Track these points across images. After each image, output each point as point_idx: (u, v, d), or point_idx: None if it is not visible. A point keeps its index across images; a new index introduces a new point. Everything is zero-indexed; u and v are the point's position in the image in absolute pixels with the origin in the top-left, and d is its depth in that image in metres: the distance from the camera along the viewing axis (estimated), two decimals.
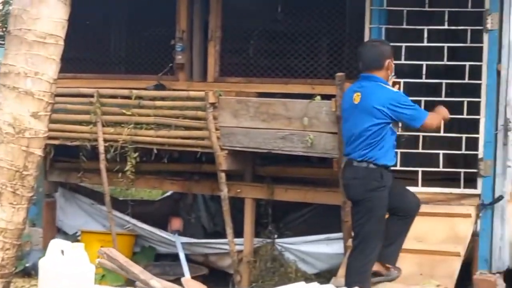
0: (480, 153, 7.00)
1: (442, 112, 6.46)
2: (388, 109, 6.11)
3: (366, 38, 7.35)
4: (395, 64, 6.76)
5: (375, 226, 6.26)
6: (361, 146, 6.19)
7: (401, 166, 7.18)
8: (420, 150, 7.25)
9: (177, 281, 5.28)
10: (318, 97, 7.30)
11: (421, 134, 7.29)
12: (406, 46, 7.25)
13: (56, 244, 4.37)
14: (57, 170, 9.36)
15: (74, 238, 9.26)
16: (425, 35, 7.26)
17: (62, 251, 4.31)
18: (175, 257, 8.85)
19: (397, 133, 6.40)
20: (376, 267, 6.40)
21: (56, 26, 5.78)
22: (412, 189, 7.17)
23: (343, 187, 6.49)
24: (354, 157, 6.23)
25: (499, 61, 6.90)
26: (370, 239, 6.27)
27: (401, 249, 6.52)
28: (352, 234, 6.44)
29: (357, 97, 6.24)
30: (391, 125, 6.20)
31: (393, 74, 6.42)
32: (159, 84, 8.50)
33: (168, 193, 10.90)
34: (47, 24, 5.73)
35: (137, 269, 4.54)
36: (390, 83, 6.36)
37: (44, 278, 4.35)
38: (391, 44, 7.05)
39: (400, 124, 6.48)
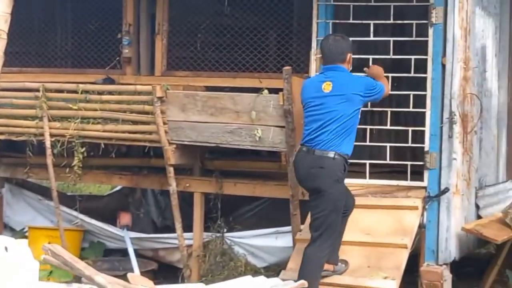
0: (426, 146, 7.06)
1: (382, 73, 6.69)
2: (365, 95, 6.35)
3: (314, 33, 7.39)
4: None
5: (337, 218, 6.35)
6: (330, 135, 6.25)
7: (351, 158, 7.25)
8: (368, 143, 7.29)
9: (126, 276, 5.23)
10: (266, 91, 7.30)
11: (368, 127, 7.35)
12: (353, 41, 7.27)
13: (0, 240, 4.30)
14: (3, 165, 9.26)
15: (21, 234, 9.17)
16: (372, 29, 7.29)
17: (6, 248, 4.25)
18: (125, 252, 8.80)
19: None
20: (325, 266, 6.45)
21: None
22: (359, 181, 7.28)
23: (304, 177, 6.40)
24: (319, 147, 6.27)
25: (444, 54, 6.95)
26: (332, 231, 6.34)
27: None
28: (311, 225, 6.41)
29: (327, 86, 6.33)
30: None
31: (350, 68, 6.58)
32: (108, 78, 8.44)
33: (117, 188, 10.84)
34: None
35: (81, 265, 4.50)
36: None
37: None
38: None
39: None
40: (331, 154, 6.25)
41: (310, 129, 6.35)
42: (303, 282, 5.33)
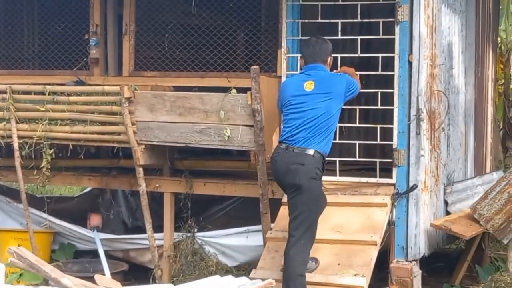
0: (394, 143, 7.10)
1: (353, 72, 6.85)
2: (346, 93, 6.53)
3: (283, 33, 7.43)
4: None
5: (318, 215, 6.45)
6: (310, 133, 6.35)
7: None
8: (338, 141, 7.32)
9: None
10: (234, 90, 7.30)
11: (338, 125, 7.37)
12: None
13: None
14: None
15: None
16: (340, 28, 7.32)
17: None
18: (95, 253, 8.77)
19: None
20: None
21: None
22: (330, 178, 7.31)
23: (283, 173, 6.42)
24: (299, 144, 6.35)
25: (411, 52, 6.99)
26: (314, 228, 6.42)
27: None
28: (290, 224, 6.41)
29: (309, 85, 6.46)
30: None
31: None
32: (79, 80, 8.38)
33: (87, 189, 10.79)
34: None
35: (47, 268, 4.48)
36: None
37: None
38: (306, 37, 7.23)
39: None
40: (311, 152, 6.35)
41: (290, 127, 6.44)
42: (270, 281, 5.33)
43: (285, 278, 6.29)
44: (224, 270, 8.05)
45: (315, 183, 6.39)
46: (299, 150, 6.36)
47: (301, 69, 6.81)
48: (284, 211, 7.16)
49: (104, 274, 8.09)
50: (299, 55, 7.19)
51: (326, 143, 6.45)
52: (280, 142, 6.55)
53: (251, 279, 5.95)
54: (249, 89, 7.13)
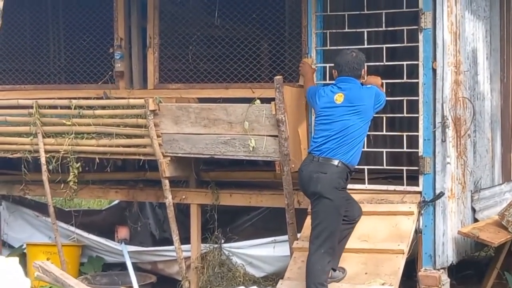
0: (420, 150, 7.06)
1: (379, 82, 6.86)
2: (375, 107, 6.58)
3: (312, 43, 7.45)
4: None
5: (338, 225, 6.44)
6: (336, 144, 6.40)
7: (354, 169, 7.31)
8: (365, 149, 7.31)
9: None
10: (258, 101, 7.31)
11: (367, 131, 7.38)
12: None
13: None
14: None
15: (20, 251, 9.17)
16: (365, 37, 7.31)
17: None
18: (123, 266, 8.80)
19: None
20: None
21: None
22: (358, 186, 7.31)
23: (306, 181, 6.45)
24: (324, 154, 6.40)
25: (435, 59, 6.96)
26: (335, 238, 6.42)
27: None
28: (312, 233, 6.43)
29: (339, 97, 6.52)
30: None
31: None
32: (105, 94, 8.42)
33: (115, 202, 10.84)
34: None
35: (72, 281, 4.50)
36: None
37: None
38: (332, 47, 7.32)
39: None
40: (335, 162, 6.39)
41: (318, 138, 6.51)
42: None
43: (307, 287, 6.28)
44: (252, 281, 8.03)
45: (335, 192, 6.38)
46: (324, 160, 6.40)
47: (333, 80, 6.80)
48: (310, 221, 7.15)
49: (132, 287, 8.12)
50: (326, 64, 7.29)
51: (353, 155, 6.47)
52: (308, 153, 6.63)
53: None
54: (273, 99, 7.14)
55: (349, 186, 7.23)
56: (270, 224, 8.93)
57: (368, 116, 6.56)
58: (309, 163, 6.49)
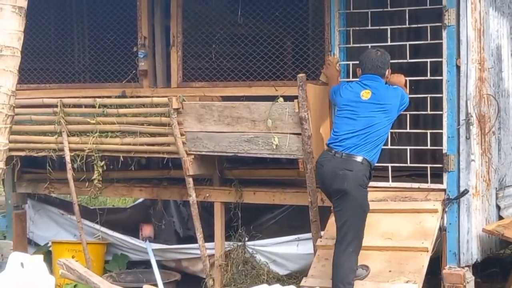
0: (444, 148, 7.04)
1: (403, 81, 6.86)
2: (399, 107, 6.56)
3: (335, 41, 7.44)
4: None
5: (364, 222, 6.43)
6: (361, 141, 6.37)
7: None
8: (389, 146, 7.31)
9: None
10: (281, 99, 7.31)
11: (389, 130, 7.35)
12: (371, 46, 7.31)
13: (16, 257, 4.34)
14: (25, 181, 9.33)
15: (45, 249, 9.23)
16: (389, 34, 7.29)
17: (22, 264, 4.29)
18: (148, 263, 8.83)
19: None
20: None
21: (12, 38, 5.76)
22: (382, 184, 7.32)
23: (330, 178, 6.40)
24: (348, 150, 6.36)
25: (458, 56, 6.93)
26: (361, 236, 6.41)
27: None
28: (338, 232, 6.41)
29: (366, 94, 6.52)
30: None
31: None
32: (123, 93, 8.47)
33: (139, 200, 10.88)
34: (2, 36, 5.72)
35: (96, 279, 4.53)
36: None
37: None
38: (355, 45, 7.32)
39: None
40: (359, 159, 6.37)
41: (341, 132, 6.46)
42: None
43: (334, 287, 6.27)
44: (276, 279, 8.05)
45: (362, 191, 6.38)
46: (348, 156, 6.37)
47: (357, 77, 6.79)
48: (333, 218, 7.14)
49: (156, 284, 8.15)
50: (350, 62, 7.29)
51: (375, 153, 6.46)
52: (327, 146, 6.57)
53: (301, 287, 5.94)
54: (296, 97, 7.13)
55: (373, 183, 7.26)
56: (294, 222, 8.93)
57: (393, 116, 6.55)
58: (331, 158, 6.44)
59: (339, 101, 6.67)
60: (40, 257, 4.26)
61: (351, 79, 7.34)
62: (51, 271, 7.41)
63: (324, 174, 6.48)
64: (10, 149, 7.04)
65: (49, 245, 9.29)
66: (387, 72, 6.67)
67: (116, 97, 8.32)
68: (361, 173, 6.36)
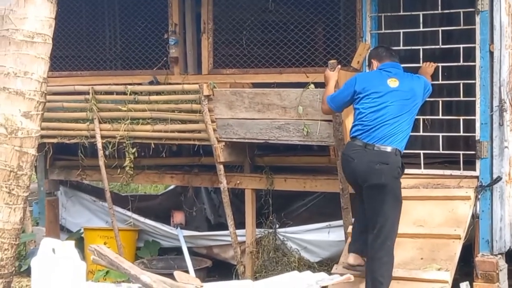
0: (477, 134, 6.97)
1: (429, 71, 6.86)
2: (424, 96, 6.46)
3: (367, 27, 7.37)
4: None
5: (400, 214, 6.29)
6: (392, 131, 6.21)
7: (404, 149, 7.23)
8: (421, 133, 7.25)
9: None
10: (312, 86, 7.29)
11: (421, 117, 7.30)
12: (402, 32, 7.26)
13: (48, 242, 4.37)
14: (57, 168, 9.40)
15: (78, 235, 9.30)
16: (421, 20, 7.22)
17: (53, 250, 4.31)
18: (179, 250, 8.87)
19: None
20: (355, 260, 6.38)
21: (44, 25, 5.79)
22: (414, 171, 7.26)
23: (366, 172, 6.17)
24: (380, 142, 6.18)
25: (492, 41, 6.85)
26: (397, 227, 6.29)
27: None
28: (376, 225, 6.21)
29: (393, 82, 6.34)
30: None
31: None
32: (154, 79, 8.48)
33: (171, 187, 10.92)
34: (34, 23, 5.75)
35: (127, 265, 4.54)
36: None
37: (37, 277, 4.36)
38: (387, 31, 7.31)
39: None
40: (392, 150, 6.20)
41: (368, 121, 6.23)
42: (348, 276, 5.30)
43: (373, 282, 6.14)
44: (307, 266, 8.02)
45: (398, 182, 6.25)
46: (380, 148, 6.18)
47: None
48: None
49: (187, 271, 8.18)
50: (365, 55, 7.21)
51: (406, 143, 6.33)
52: (354, 138, 6.33)
53: (332, 274, 5.92)
54: None
55: (406, 171, 7.21)
56: (325, 209, 8.90)
57: (419, 104, 6.42)
58: (361, 151, 6.21)
59: (364, 88, 6.32)
60: (72, 243, 4.29)
61: None
62: (83, 258, 7.47)
63: (356, 168, 6.24)
64: (42, 136, 7.13)
65: (81, 231, 9.36)
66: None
67: (148, 83, 8.32)
68: (396, 165, 6.21)
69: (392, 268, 6.22)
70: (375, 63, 6.59)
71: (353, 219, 7.14)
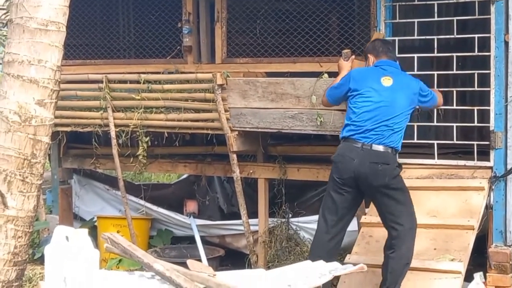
0: (491, 125, 6.94)
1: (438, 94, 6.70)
2: (419, 97, 6.39)
3: (381, 16, 7.34)
4: (407, 39, 7.25)
5: (412, 202, 6.25)
6: (388, 130, 6.14)
7: (417, 139, 7.29)
8: (434, 123, 7.22)
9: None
10: (326, 75, 7.26)
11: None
12: (417, 22, 7.23)
13: (61, 230, 4.38)
14: (71, 157, 9.41)
15: (91, 224, 9.32)
16: (436, 9, 7.19)
17: (67, 237, 4.32)
18: (192, 239, 8.89)
19: None
20: None
21: (58, 13, 5.78)
22: (427, 161, 7.26)
23: (367, 174, 6.06)
24: (378, 141, 6.11)
25: (507, 31, 6.80)
26: (415, 216, 6.26)
27: None
28: (394, 224, 6.16)
29: (387, 80, 6.25)
30: None
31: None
32: (175, 69, 8.48)
33: (184, 176, 10.93)
34: (48, 11, 5.75)
35: (140, 253, 4.55)
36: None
37: (50, 265, 4.37)
38: (402, 20, 7.25)
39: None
40: (390, 150, 6.17)
41: (362, 121, 6.15)
42: (361, 266, 5.28)
43: (397, 273, 6.13)
44: None
45: (400, 178, 6.23)
46: (380, 147, 6.11)
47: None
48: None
49: (200, 260, 8.19)
50: (395, 38, 7.20)
51: (400, 141, 6.26)
52: (348, 138, 6.23)
53: (345, 264, 5.91)
54: None
55: (419, 161, 7.22)
56: None
57: (413, 103, 6.33)
58: (360, 151, 6.09)
59: (357, 86, 6.26)
60: (85, 230, 4.29)
61: (396, 55, 7.26)
62: (96, 246, 7.48)
63: (358, 169, 6.09)
64: (56, 125, 7.14)
65: (94, 220, 9.39)
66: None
67: (168, 72, 8.30)
68: (395, 164, 6.19)
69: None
70: (371, 58, 6.51)
71: (366, 209, 7.12)
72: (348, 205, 6.32)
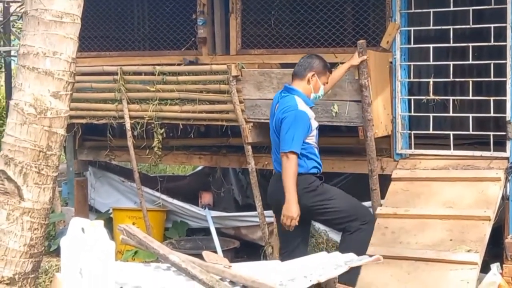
0: (508, 115, 6.90)
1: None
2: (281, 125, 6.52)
3: (396, 6, 7.30)
4: (422, 29, 7.05)
5: (351, 201, 6.67)
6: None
7: (433, 130, 7.28)
8: (450, 114, 7.17)
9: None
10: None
11: (450, 98, 7.23)
12: (432, 12, 7.18)
13: (77, 222, 4.38)
14: (86, 149, 9.42)
15: (106, 216, 9.34)
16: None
17: (83, 229, 4.32)
18: (207, 231, 8.89)
19: None
20: None
21: (72, 5, 5.78)
22: (443, 152, 7.24)
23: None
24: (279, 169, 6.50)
25: None
26: (354, 211, 6.69)
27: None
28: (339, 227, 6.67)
29: (277, 106, 6.58)
30: None
31: (318, 94, 6.69)
32: (195, 60, 8.47)
33: (199, 168, 10.93)
34: (63, 3, 5.74)
35: (155, 244, 4.55)
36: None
37: (66, 257, 4.38)
38: (417, 10, 7.17)
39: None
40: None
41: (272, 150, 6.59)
42: (378, 257, 5.27)
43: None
44: (335, 247, 7.99)
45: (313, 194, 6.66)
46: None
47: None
48: (394, 187, 7.09)
49: (215, 251, 8.20)
50: (411, 28, 7.11)
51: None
52: (318, 175, 6.74)
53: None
54: None
55: (434, 152, 7.20)
56: (353, 190, 8.82)
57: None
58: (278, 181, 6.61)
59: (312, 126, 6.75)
60: (101, 222, 4.28)
61: (412, 45, 7.24)
62: (112, 238, 7.51)
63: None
64: (71, 117, 7.16)
65: (110, 212, 9.41)
66: (310, 75, 6.59)
67: (188, 62, 8.30)
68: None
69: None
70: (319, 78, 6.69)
71: (382, 201, 7.11)
72: None
